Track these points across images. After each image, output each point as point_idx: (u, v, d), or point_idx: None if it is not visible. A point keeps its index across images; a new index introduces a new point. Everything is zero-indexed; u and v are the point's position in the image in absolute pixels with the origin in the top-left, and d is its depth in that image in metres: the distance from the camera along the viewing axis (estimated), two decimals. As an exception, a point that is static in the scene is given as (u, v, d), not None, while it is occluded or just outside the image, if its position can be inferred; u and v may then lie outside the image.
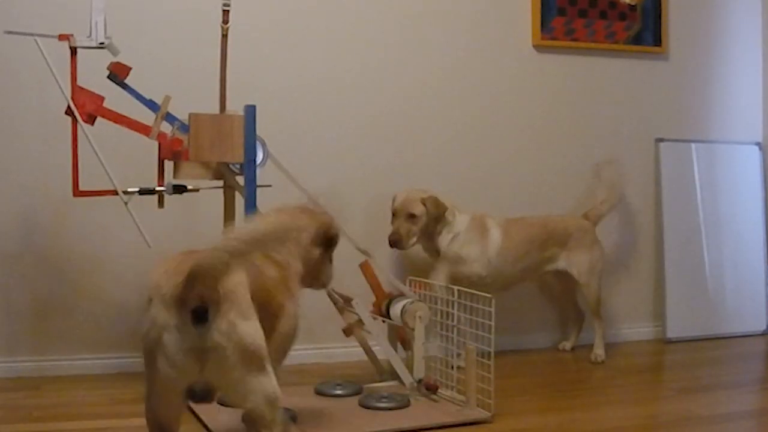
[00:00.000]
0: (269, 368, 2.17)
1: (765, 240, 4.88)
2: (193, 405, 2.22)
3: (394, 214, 3.85)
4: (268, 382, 2.16)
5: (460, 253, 3.89)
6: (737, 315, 4.76)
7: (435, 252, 3.93)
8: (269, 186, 3.32)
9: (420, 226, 3.81)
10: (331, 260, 2.77)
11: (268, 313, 2.30)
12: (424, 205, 3.81)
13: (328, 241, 2.72)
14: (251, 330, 2.11)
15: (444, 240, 3.90)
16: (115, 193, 3.16)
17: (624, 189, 4.39)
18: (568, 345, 4.40)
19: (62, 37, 3.10)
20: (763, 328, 4.82)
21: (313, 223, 2.68)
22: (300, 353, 3.90)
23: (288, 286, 2.49)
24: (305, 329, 3.85)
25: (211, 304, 2.02)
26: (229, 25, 3.26)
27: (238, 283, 2.12)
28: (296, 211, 2.70)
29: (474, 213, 3.98)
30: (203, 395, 2.10)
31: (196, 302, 1.99)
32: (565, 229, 4.13)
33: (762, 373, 4.15)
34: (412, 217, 3.81)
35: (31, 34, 3.10)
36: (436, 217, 3.84)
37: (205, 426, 2.94)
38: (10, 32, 3.18)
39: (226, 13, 3.24)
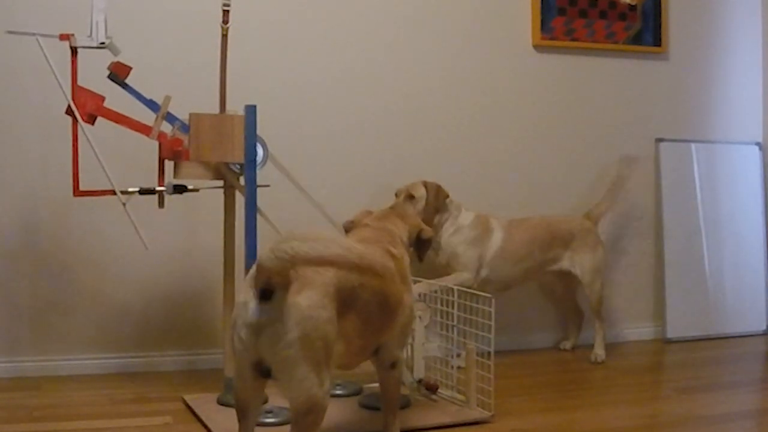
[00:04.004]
0: (326, 376, 2.27)
1: (765, 240, 4.88)
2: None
3: (396, 196, 3.89)
4: (317, 386, 2.24)
5: (457, 251, 3.90)
6: (737, 315, 4.76)
7: (436, 244, 3.94)
8: (267, 186, 3.31)
9: (418, 209, 3.81)
10: (421, 260, 3.04)
11: (389, 308, 2.56)
12: (426, 188, 3.84)
13: (421, 242, 2.96)
14: (317, 315, 2.23)
15: (446, 232, 3.91)
16: (114, 193, 3.16)
17: (623, 192, 4.37)
18: (568, 345, 4.40)
19: (63, 37, 3.10)
20: (763, 328, 4.82)
21: (407, 226, 2.94)
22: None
23: (404, 278, 2.72)
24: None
25: (277, 285, 2.20)
26: (229, 25, 3.25)
27: (321, 274, 2.29)
28: (391, 215, 2.98)
29: (479, 212, 3.99)
30: (266, 372, 2.26)
31: (262, 283, 2.19)
32: (569, 229, 4.13)
33: (762, 373, 4.14)
34: (411, 198, 3.85)
35: (33, 34, 3.10)
36: (436, 204, 3.85)
37: (205, 426, 2.94)
38: (11, 32, 3.18)
39: (226, 13, 3.24)
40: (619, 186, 4.35)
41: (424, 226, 3.02)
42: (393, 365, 2.74)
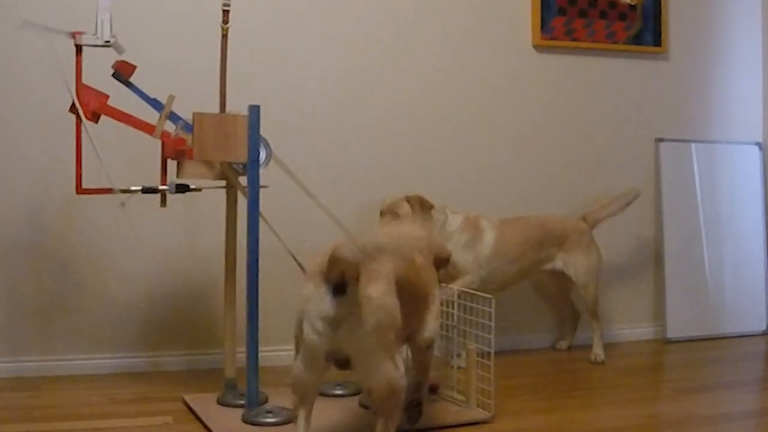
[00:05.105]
0: (399, 360, 2.46)
1: (765, 240, 4.89)
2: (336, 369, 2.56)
3: (381, 215, 3.85)
4: (394, 370, 2.43)
5: (452, 260, 3.84)
6: (737, 315, 4.76)
7: None
8: (266, 187, 3.31)
9: None
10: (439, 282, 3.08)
11: (421, 297, 2.73)
12: (409, 203, 3.81)
13: (440, 261, 3.04)
14: (387, 305, 2.43)
15: None
16: (114, 191, 3.15)
17: (627, 206, 4.33)
18: (564, 344, 4.40)
19: (74, 34, 3.10)
20: (763, 328, 4.83)
21: (428, 245, 3.01)
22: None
23: (434, 275, 2.91)
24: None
25: (350, 279, 2.35)
26: (229, 25, 3.25)
27: (383, 267, 2.47)
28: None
29: (468, 214, 3.96)
30: (342, 362, 2.43)
31: (336, 277, 2.34)
32: (563, 230, 4.12)
33: (762, 373, 4.15)
34: (396, 216, 3.79)
35: (46, 28, 3.09)
36: (422, 217, 3.82)
37: (205, 426, 2.94)
38: (26, 26, 3.17)
39: (226, 13, 3.24)
40: (623, 204, 4.30)
41: (443, 246, 3.14)
42: (429, 346, 2.90)
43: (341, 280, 2.34)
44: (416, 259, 2.77)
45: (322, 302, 2.37)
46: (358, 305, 2.36)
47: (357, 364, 2.41)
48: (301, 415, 2.54)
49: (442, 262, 3.08)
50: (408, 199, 3.81)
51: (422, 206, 3.82)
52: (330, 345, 2.40)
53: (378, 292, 2.40)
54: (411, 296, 2.62)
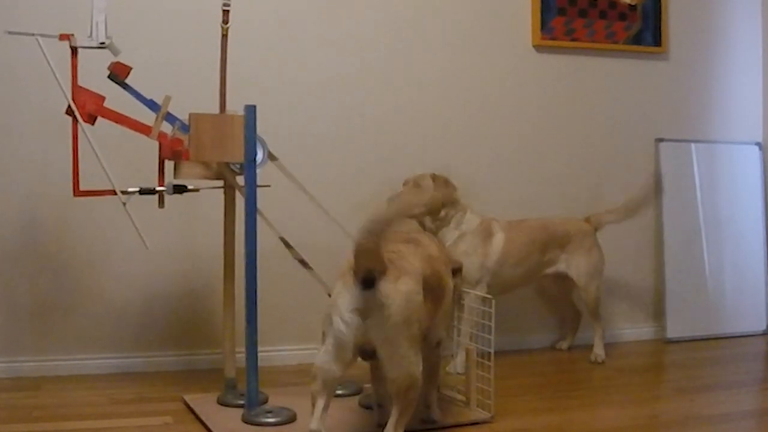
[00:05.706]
0: (420, 355, 2.56)
1: (765, 240, 4.88)
2: (363, 361, 2.65)
3: (403, 185, 3.84)
4: (416, 364, 2.54)
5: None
6: (737, 315, 4.76)
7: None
8: (268, 186, 3.32)
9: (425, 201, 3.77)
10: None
11: (439, 289, 2.78)
12: (434, 180, 3.80)
13: (453, 270, 3.09)
14: (415, 300, 2.54)
15: (450, 235, 3.86)
16: (115, 193, 3.15)
17: (637, 213, 4.26)
18: (564, 345, 4.40)
19: (63, 37, 3.09)
20: (763, 328, 4.82)
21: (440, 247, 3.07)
22: (301, 353, 3.91)
23: (447, 265, 2.97)
24: (306, 329, 3.86)
25: (378, 273, 2.46)
26: (229, 25, 3.26)
27: (411, 261, 2.62)
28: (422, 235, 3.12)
29: (483, 217, 3.94)
30: (369, 352, 2.52)
31: (364, 272, 2.45)
32: (566, 231, 4.11)
33: (762, 373, 4.14)
34: (418, 187, 3.79)
35: (33, 34, 3.09)
36: (444, 197, 3.80)
37: (205, 426, 2.94)
38: (11, 32, 3.17)
39: (226, 13, 3.24)
40: (636, 207, 4.24)
41: (451, 256, 3.19)
42: (438, 344, 2.92)
43: (369, 275, 2.45)
44: (433, 253, 2.84)
45: (352, 295, 2.48)
46: (387, 298, 2.46)
47: (382, 354, 2.49)
48: (319, 404, 2.56)
49: (454, 271, 3.09)
50: (433, 176, 3.81)
51: (446, 186, 3.81)
52: (358, 336, 2.48)
53: (407, 287, 2.51)
54: (433, 294, 2.71)
